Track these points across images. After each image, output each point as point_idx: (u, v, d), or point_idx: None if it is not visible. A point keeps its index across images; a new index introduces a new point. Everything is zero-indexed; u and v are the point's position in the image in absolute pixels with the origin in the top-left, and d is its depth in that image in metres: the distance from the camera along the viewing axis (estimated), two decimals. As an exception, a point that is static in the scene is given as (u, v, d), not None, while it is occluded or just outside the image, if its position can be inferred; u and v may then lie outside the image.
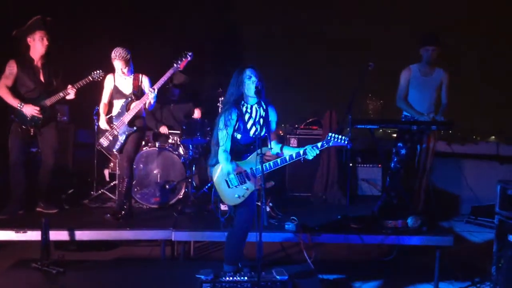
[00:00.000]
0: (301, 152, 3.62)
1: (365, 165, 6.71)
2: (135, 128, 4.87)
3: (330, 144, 3.59)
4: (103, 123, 4.90)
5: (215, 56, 7.62)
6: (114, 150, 4.93)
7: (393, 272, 4.81)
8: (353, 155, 6.70)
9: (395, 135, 5.91)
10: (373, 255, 4.51)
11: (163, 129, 6.13)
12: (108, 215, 4.80)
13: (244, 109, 3.72)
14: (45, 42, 4.90)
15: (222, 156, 3.66)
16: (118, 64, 4.77)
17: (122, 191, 4.90)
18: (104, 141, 4.92)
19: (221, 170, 3.68)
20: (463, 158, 7.40)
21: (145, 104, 4.84)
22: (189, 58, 4.77)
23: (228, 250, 3.88)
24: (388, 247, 4.86)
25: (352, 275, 4.56)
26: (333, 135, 3.58)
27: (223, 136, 3.67)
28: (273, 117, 3.81)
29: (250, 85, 3.63)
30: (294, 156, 3.64)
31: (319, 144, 3.61)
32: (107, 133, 4.89)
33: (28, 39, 4.88)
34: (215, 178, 3.75)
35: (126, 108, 4.85)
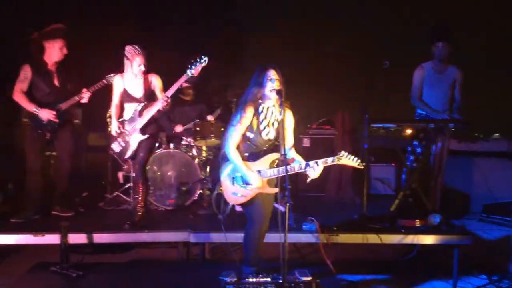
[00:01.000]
0: (309, 163, 3.52)
1: (378, 164, 6.69)
2: (147, 135, 4.70)
3: (340, 161, 3.48)
4: (114, 129, 4.71)
5: (220, 57, 7.61)
6: (126, 157, 4.77)
7: (411, 271, 4.81)
8: (366, 154, 6.67)
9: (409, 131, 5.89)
10: (390, 254, 4.50)
11: (179, 128, 6.08)
12: (127, 225, 4.66)
13: (260, 109, 3.69)
14: (64, 51, 4.93)
15: (232, 153, 3.64)
16: (139, 60, 4.55)
17: (137, 199, 4.77)
18: (116, 147, 4.74)
19: (227, 167, 3.72)
20: (474, 156, 7.38)
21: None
22: (203, 64, 4.48)
23: (245, 251, 3.89)
24: (405, 246, 4.85)
25: (370, 274, 4.55)
26: (345, 154, 3.47)
27: (233, 132, 3.65)
28: (289, 122, 3.75)
29: (270, 85, 3.60)
30: (301, 166, 3.56)
31: (329, 160, 3.50)
32: (119, 139, 4.70)
33: (46, 44, 4.87)
34: (222, 175, 3.77)
35: (139, 114, 4.65)
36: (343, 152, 3.49)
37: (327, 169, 6.29)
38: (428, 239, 4.51)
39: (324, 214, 5.22)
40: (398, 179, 6.47)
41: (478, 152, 7.50)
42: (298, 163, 3.61)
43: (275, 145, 3.73)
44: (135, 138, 4.67)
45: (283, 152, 3.41)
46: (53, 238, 4.33)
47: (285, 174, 3.36)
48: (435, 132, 5.08)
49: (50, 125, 4.90)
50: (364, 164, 3.62)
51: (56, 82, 4.97)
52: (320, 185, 6.49)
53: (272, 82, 3.60)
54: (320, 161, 3.50)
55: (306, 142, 6.65)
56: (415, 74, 5.35)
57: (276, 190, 3.65)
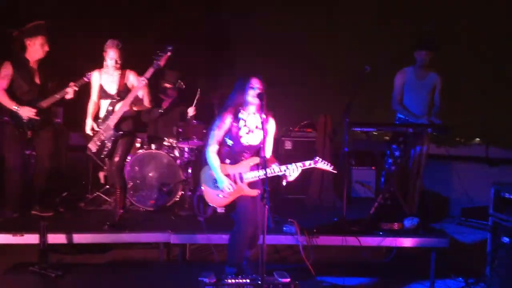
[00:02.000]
0: (285, 167, 3.71)
1: (359, 168, 6.76)
2: (121, 132, 4.62)
3: (317, 165, 3.75)
4: (88, 128, 4.62)
5: (206, 58, 7.63)
6: (102, 156, 4.71)
7: (389, 273, 4.87)
8: (347, 158, 6.74)
9: (387, 137, 5.99)
10: (368, 257, 4.55)
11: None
12: (106, 226, 4.63)
13: (241, 115, 3.80)
14: (46, 48, 4.88)
15: (209, 156, 3.77)
16: (113, 54, 4.53)
17: (116, 200, 4.74)
18: (92, 147, 4.64)
19: (208, 170, 3.81)
20: (452, 160, 7.50)
21: (140, 100, 4.66)
22: (169, 53, 4.52)
23: (229, 252, 3.93)
24: (384, 249, 4.92)
25: (349, 277, 4.59)
26: (320, 159, 3.75)
27: (212, 136, 3.78)
28: (271, 129, 3.89)
29: (253, 93, 3.70)
30: (277, 169, 3.72)
31: (306, 163, 3.73)
32: (94, 138, 4.61)
33: (27, 41, 4.82)
34: (202, 177, 3.87)
35: (111, 110, 4.59)
36: (318, 157, 3.77)
37: (308, 172, 6.43)
38: (406, 242, 4.60)
39: (305, 217, 5.25)
40: (378, 182, 6.55)
41: (457, 156, 7.63)
42: (277, 166, 3.75)
43: (255, 150, 3.84)
44: (109, 136, 4.61)
45: (263, 155, 3.55)
46: (32, 238, 4.29)
47: (265, 176, 3.43)
48: (414, 136, 5.16)
49: (30, 123, 4.86)
50: (336, 170, 3.89)
51: (37, 80, 4.92)
52: (302, 188, 6.53)
53: (254, 90, 3.70)
54: (298, 164, 3.72)
55: (288, 145, 6.69)
56: (396, 78, 5.44)
57: (255, 192, 3.78)
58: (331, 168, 3.79)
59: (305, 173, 6.34)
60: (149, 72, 4.53)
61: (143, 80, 4.52)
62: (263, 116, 3.60)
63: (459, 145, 7.76)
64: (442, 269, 4.76)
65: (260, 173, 3.73)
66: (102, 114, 4.67)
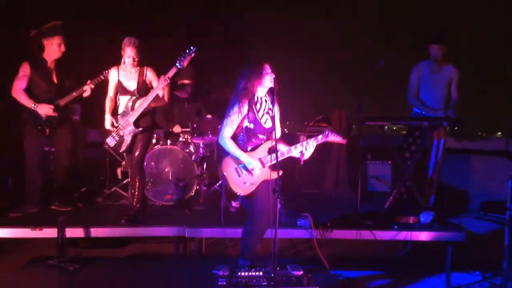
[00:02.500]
0: (300, 144, 3.79)
1: (374, 162, 6.72)
2: (141, 128, 4.73)
3: (328, 138, 3.80)
4: (108, 123, 4.75)
5: (220, 54, 7.64)
6: (121, 151, 4.83)
7: (405, 267, 4.84)
8: (363, 152, 6.72)
9: (404, 132, 5.95)
10: (383, 251, 4.53)
11: (177, 129, 6.12)
12: (123, 220, 4.70)
13: (255, 99, 3.81)
14: (62, 48, 4.98)
15: (227, 142, 3.75)
16: (131, 51, 4.63)
17: (134, 194, 4.82)
18: (111, 141, 4.77)
19: (232, 159, 3.79)
20: (472, 154, 7.41)
21: (159, 97, 4.71)
22: (192, 55, 4.59)
23: (243, 245, 3.95)
24: (399, 243, 4.89)
25: (364, 271, 4.58)
26: (330, 132, 3.82)
27: (229, 123, 3.75)
28: (277, 115, 3.93)
29: (270, 78, 3.73)
30: (296, 147, 3.80)
31: (319, 137, 3.79)
32: (113, 133, 4.75)
33: (45, 41, 4.93)
34: (225, 169, 3.84)
35: (130, 107, 4.70)
36: (328, 131, 3.82)
37: (323, 166, 6.42)
38: (421, 236, 4.56)
39: (320, 211, 5.26)
40: (394, 176, 6.50)
41: (477, 150, 7.53)
42: (293, 146, 3.81)
43: (269, 133, 3.85)
44: (129, 132, 4.72)
45: (278, 138, 3.69)
46: (50, 232, 4.38)
47: (284, 157, 3.59)
48: (430, 130, 5.11)
49: (48, 120, 4.96)
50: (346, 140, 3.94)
51: (54, 79, 5.02)
52: (317, 182, 6.54)
53: (270, 75, 3.75)
54: (311, 140, 3.79)
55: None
56: (411, 74, 5.41)
57: (279, 173, 3.67)
58: (341, 139, 3.83)
59: (320, 167, 6.41)
60: (172, 71, 4.59)
61: (165, 80, 4.58)
62: (273, 100, 3.68)
63: (480, 139, 7.66)
64: (459, 263, 4.72)
65: (278, 155, 3.68)
66: (121, 110, 4.77)
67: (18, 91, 4.90)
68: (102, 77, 4.98)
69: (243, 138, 3.83)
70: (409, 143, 5.34)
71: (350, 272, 4.63)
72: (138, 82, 4.74)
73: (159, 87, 4.59)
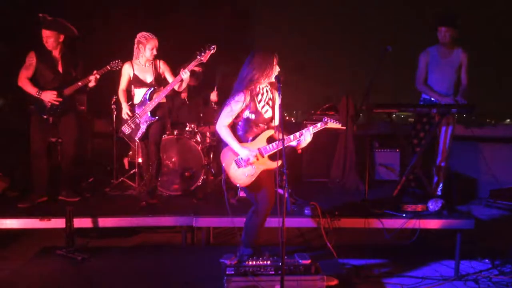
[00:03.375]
0: (299, 133, 3.73)
1: (382, 150, 6.68)
2: (157, 117, 4.97)
3: (328, 125, 3.76)
4: (125, 113, 4.97)
5: (226, 43, 7.61)
6: (136, 138, 5.03)
7: (413, 255, 4.84)
8: (371, 140, 6.67)
9: (412, 119, 5.89)
10: (392, 239, 4.51)
11: (213, 96, 6.13)
12: (143, 203, 4.92)
13: (257, 89, 3.78)
14: (50, 43, 4.96)
15: (224, 130, 3.74)
16: (151, 44, 4.84)
17: (152, 173, 5.02)
18: (126, 129, 5.02)
19: (231, 150, 3.77)
20: (481, 141, 7.34)
21: (177, 86, 4.94)
22: (212, 51, 4.78)
23: (247, 233, 3.95)
24: (408, 231, 4.87)
25: (373, 259, 4.57)
26: (329, 119, 3.78)
27: (228, 112, 3.73)
28: (278, 102, 3.87)
29: (275, 69, 3.72)
30: (295, 136, 3.75)
31: (318, 125, 3.76)
32: (129, 121, 4.98)
33: (43, 32, 4.92)
34: (223, 160, 3.83)
35: (148, 97, 4.93)
36: (326, 118, 3.80)
37: (331, 155, 6.38)
38: (430, 224, 4.52)
39: (327, 200, 5.24)
40: (402, 164, 6.46)
41: (486, 137, 7.46)
42: (291, 135, 3.77)
43: (269, 123, 3.85)
44: (145, 120, 4.94)
45: (279, 127, 3.65)
46: (58, 222, 4.40)
47: (283, 146, 3.46)
48: (439, 117, 5.05)
49: (52, 109, 4.97)
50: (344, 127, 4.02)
51: (60, 69, 5.02)
52: (324, 171, 6.51)
53: (276, 68, 3.73)
54: (310, 127, 3.74)
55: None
56: (420, 58, 5.33)
57: (278, 163, 3.72)
58: (340, 125, 3.80)
59: (327, 156, 6.38)
60: (192, 65, 4.79)
61: (185, 72, 4.80)
62: (279, 92, 3.62)
63: (489, 126, 7.59)
64: (468, 251, 4.70)
65: (278, 144, 3.70)
66: (137, 100, 5.01)
67: (24, 80, 4.92)
68: (109, 68, 5.04)
69: (244, 127, 3.81)
70: (417, 130, 5.28)
71: (358, 260, 4.63)
72: (155, 74, 4.99)
73: (178, 79, 4.84)
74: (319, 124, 3.75)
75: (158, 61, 5.03)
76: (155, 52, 4.91)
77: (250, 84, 3.71)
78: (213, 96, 6.09)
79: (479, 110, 5.18)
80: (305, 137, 3.72)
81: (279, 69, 3.74)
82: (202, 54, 4.75)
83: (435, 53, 5.24)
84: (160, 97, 4.91)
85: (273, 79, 3.74)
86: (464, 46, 5.25)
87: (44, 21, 4.95)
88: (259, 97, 3.78)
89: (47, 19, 4.96)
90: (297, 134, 3.74)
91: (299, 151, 3.86)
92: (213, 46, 4.78)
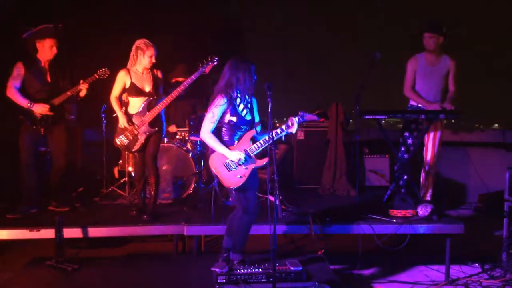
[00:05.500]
0: (283, 127, 3.95)
1: (372, 156, 6.72)
2: (156, 128, 4.84)
3: (306, 118, 4.00)
4: (123, 122, 4.77)
5: (216, 50, 7.65)
6: (133, 150, 4.86)
7: (404, 260, 4.86)
8: (360, 146, 6.71)
9: (401, 125, 5.93)
10: (382, 244, 4.53)
11: (172, 128, 6.14)
12: (145, 217, 4.79)
13: (235, 94, 3.90)
14: (54, 51, 4.97)
15: (208, 136, 3.84)
16: (151, 52, 4.73)
17: (151, 190, 4.93)
18: (124, 140, 4.80)
19: (218, 155, 3.85)
20: (469, 147, 7.41)
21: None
22: (215, 63, 4.79)
23: (236, 237, 3.98)
24: (398, 236, 4.89)
25: (362, 264, 4.58)
26: (306, 113, 4.01)
27: (210, 118, 3.84)
28: (255, 105, 4.06)
29: (252, 79, 3.87)
30: (280, 130, 3.94)
31: (295, 119, 3.94)
32: (126, 132, 4.77)
33: (37, 43, 4.92)
34: (213, 166, 3.89)
35: (149, 107, 4.77)
36: (301, 112, 4.00)
37: (321, 162, 6.41)
38: (420, 229, 4.55)
39: (318, 206, 5.26)
40: (392, 170, 6.50)
41: (475, 142, 7.54)
42: (275, 130, 3.92)
43: (250, 125, 4.00)
44: (143, 131, 4.80)
45: (255, 130, 3.95)
46: (48, 233, 4.36)
47: (269, 143, 3.69)
48: (427, 123, 5.10)
49: (43, 120, 4.94)
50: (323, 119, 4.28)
51: (48, 79, 5.00)
52: (315, 177, 6.53)
53: (253, 75, 3.88)
54: (293, 119, 3.95)
55: (300, 135, 6.67)
56: (408, 65, 5.37)
57: (265, 160, 3.88)
58: (316, 117, 4.07)
59: (317, 162, 6.41)
60: (195, 76, 4.77)
61: (187, 83, 4.77)
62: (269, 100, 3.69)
63: (477, 131, 7.67)
64: (458, 255, 4.74)
65: (263, 142, 3.85)
66: (133, 110, 4.82)
67: (13, 91, 4.88)
68: (96, 76, 4.99)
69: (227, 132, 3.93)
70: (406, 136, 5.32)
71: (349, 266, 4.64)
72: (153, 83, 4.85)
73: (180, 89, 4.78)
74: (296, 118, 3.94)
75: (156, 70, 4.90)
76: (153, 61, 4.77)
77: (228, 89, 3.84)
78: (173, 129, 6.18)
79: (464, 116, 5.23)
80: (290, 128, 3.93)
81: (255, 77, 3.87)
82: (205, 66, 4.76)
83: (423, 60, 5.29)
84: (161, 107, 4.78)
85: (250, 85, 3.85)
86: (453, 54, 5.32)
87: (57, 30, 4.93)
88: (238, 100, 3.90)
89: (59, 28, 4.95)
90: (279, 129, 3.93)
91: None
92: (216, 58, 4.79)
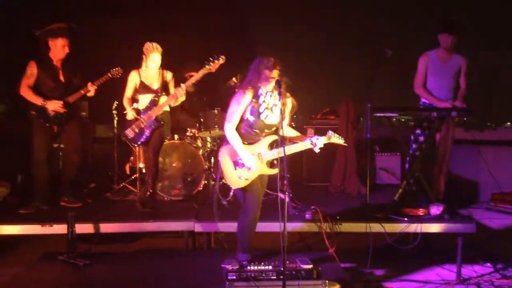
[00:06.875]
0: (305, 143, 3.82)
1: (383, 154, 6.68)
2: (162, 123, 5.02)
3: (331, 140, 3.84)
4: (130, 114, 4.99)
5: (227, 47, 7.64)
6: (139, 143, 5.04)
7: (415, 260, 4.82)
8: (371, 144, 6.67)
9: (412, 123, 5.89)
10: (394, 243, 4.51)
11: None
12: (137, 204, 5.02)
13: (260, 92, 3.83)
14: (66, 50, 5.04)
15: (231, 132, 3.79)
16: (156, 56, 4.93)
17: (148, 180, 5.04)
18: (129, 133, 5.03)
19: (226, 154, 3.83)
20: (482, 145, 7.33)
21: (172, 102, 5.02)
22: (221, 61, 4.83)
23: (241, 238, 3.99)
24: (409, 235, 4.86)
25: (373, 263, 4.56)
26: (333, 133, 3.84)
27: (232, 113, 3.80)
28: (289, 106, 3.94)
29: (277, 72, 3.74)
30: (297, 147, 3.82)
31: (321, 139, 3.81)
32: (133, 126, 5.01)
33: (50, 41, 4.98)
34: (222, 159, 3.88)
35: (154, 103, 4.97)
36: (331, 132, 3.85)
37: (332, 159, 6.39)
38: (432, 228, 4.52)
39: (328, 204, 5.24)
40: (403, 168, 6.46)
41: (487, 140, 7.45)
42: (294, 145, 3.83)
43: (273, 129, 3.88)
44: (149, 125, 4.97)
45: (281, 134, 3.56)
46: (60, 228, 4.41)
47: (283, 155, 3.44)
48: (439, 121, 5.06)
49: (57, 117, 4.99)
50: (347, 143, 4.03)
51: (61, 77, 5.06)
52: (325, 175, 6.51)
53: (277, 69, 3.75)
54: (313, 138, 3.81)
55: (311, 132, 6.65)
56: (419, 62, 5.33)
57: (276, 171, 3.79)
58: (343, 141, 3.89)
59: (327, 160, 6.39)
60: (201, 73, 4.86)
61: (190, 82, 4.92)
62: (279, 96, 3.64)
63: (489, 129, 7.58)
64: (470, 255, 4.70)
65: (278, 151, 3.70)
66: (142, 106, 5.05)
67: (26, 89, 4.94)
68: (110, 75, 5.09)
69: (245, 130, 3.85)
70: (417, 134, 5.28)
71: (360, 264, 4.62)
72: (161, 82, 5.06)
73: (186, 86, 4.91)
74: (322, 138, 3.80)
75: (166, 71, 5.11)
76: (158, 64, 4.97)
77: (249, 85, 3.80)
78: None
79: (476, 114, 5.18)
80: (313, 145, 3.79)
81: (278, 73, 3.73)
82: (211, 64, 4.79)
83: (435, 57, 5.25)
84: (166, 104, 4.99)
85: (272, 81, 3.75)
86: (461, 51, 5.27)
87: (70, 30, 5.00)
88: (261, 98, 3.82)
89: (72, 28, 5.02)
90: (299, 145, 3.82)
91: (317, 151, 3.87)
92: (222, 56, 4.82)
